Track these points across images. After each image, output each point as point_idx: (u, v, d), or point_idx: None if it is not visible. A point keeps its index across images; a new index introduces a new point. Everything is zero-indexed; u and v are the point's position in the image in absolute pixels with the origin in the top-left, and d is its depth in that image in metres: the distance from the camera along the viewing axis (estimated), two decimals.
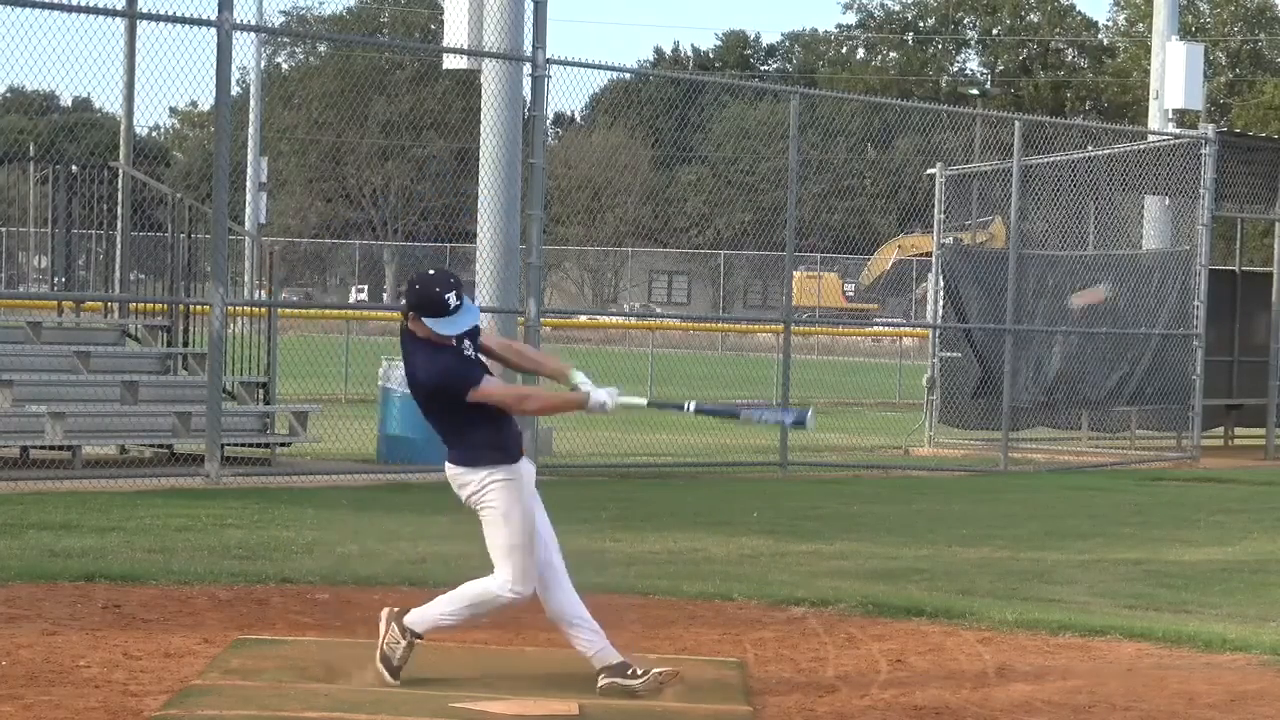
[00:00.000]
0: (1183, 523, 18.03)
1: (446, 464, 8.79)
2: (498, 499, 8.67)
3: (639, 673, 8.76)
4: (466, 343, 8.71)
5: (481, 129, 22.25)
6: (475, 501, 8.73)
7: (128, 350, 20.77)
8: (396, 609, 8.93)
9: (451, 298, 8.57)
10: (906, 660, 9.95)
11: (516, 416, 8.82)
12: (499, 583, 8.74)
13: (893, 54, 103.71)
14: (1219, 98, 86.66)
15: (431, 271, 8.75)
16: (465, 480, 8.71)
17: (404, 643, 8.81)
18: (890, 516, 17.83)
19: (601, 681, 8.77)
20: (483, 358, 8.79)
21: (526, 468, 8.79)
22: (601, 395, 8.71)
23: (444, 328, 8.58)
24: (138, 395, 19.55)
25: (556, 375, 8.96)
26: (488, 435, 8.66)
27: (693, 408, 9.05)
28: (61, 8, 18.09)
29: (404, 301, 8.71)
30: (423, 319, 8.59)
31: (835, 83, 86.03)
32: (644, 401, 9.29)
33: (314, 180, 74.09)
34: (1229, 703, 9.18)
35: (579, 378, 8.83)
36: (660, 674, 8.75)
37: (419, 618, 8.85)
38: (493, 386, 8.61)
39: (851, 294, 65.86)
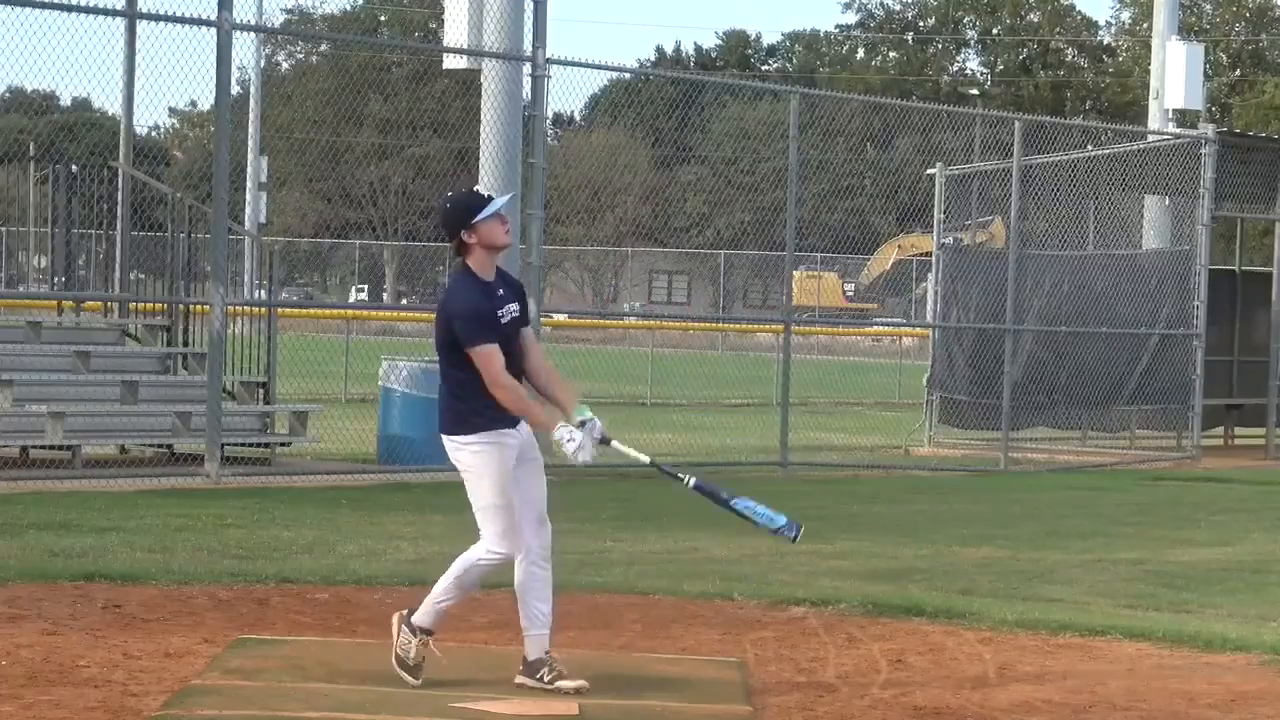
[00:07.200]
0: (1183, 523, 18.03)
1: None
2: (474, 462, 8.71)
3: (546, 678, 8.77)
4: (513, 309, 8.76)
5: (481, 129, 22.26)
6: (458, 465, 8.82)
7: (128, 350, 20.76)
8: (405, 611, 8.94)
9: (481, 188, 8.79)
10: (906, 660, 9.95)
11: None
12: (481, 546, 8.78)
13: (893, 54, 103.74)
14: (1220, 97, 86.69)
15: (449, 193, 8.94)
16: (451, 446, 8.77)
17: (415, 640, 8.83)
18: (890, 516, 17.82)
19: (516, 679, 8.85)
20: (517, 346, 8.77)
21: (513, 436, 8.73)
22: (567, 434, 8.65)
23: (495, 206, 8.74)
24: (138, 395, 19.54)
25: (562, 406, 8.86)
26: (474, 402, 8.68)
27: (692, 483, 8.99)
28: (61, 8, 18.09)
29: (450, 227, 8.75)
30: (476, 222, 8.69)
31: (835, 83, 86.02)
32: (646, 459, 9.08)
33: (313, 180, 74.10)
34: (1229, 703, 9.18)
35: (584, 413, 8.78)
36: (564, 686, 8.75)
37: (422, 612, 8.88)
38: (492, 356, 8.61)
39: (851, 294, 65.86)
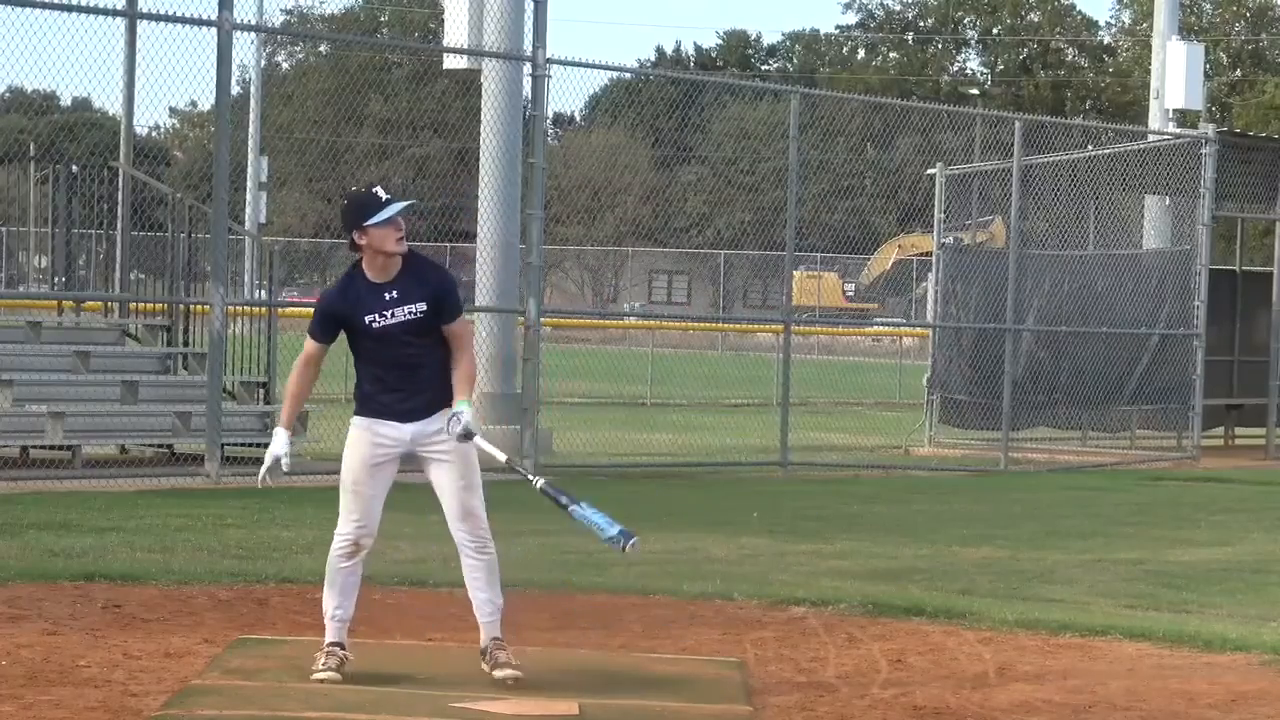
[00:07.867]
0: (1183, 523, 18.03)
1: None
2: (347, 440, 9.02)
3: (486, 666, 8.90)
4: (408, 310, 8.78)
5: (481, 129, 22.27)
6: None
7: (128, 350, 20.76)
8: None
9: (379, 190, 8.85)
10: (906, 660, 9.95)
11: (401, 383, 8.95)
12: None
13: (893, 54, 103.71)
14: (1220, 97, 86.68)
15: (352, 188, 9.11)
16: None
17: (323, 652, 8.92)
18: (890, 516, 17.82)
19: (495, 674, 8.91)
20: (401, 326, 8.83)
21: (389, 428, 8.88)
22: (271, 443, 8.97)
23: (387, 213, 8.75)
24: (138, 395, 19.54)
25: (454, 393, 8.87)
26: (359, 389, 9.04)
27: (540, 485, 8.91)
28: (61, 8, 18.10)
29: (344, 225, 8.82)
30: (367, 226, 8.73)
31: (835, 83, 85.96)
32: (502, 457, 8.95)
33: (313, 180, 74.07)
34: (1229, 703, 9.18)
35: (459, 407, 8.78)
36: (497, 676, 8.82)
37: (327, 630, 8.98)
38: (306, 347, 9.02)
39: (851, 294, 65.84)
